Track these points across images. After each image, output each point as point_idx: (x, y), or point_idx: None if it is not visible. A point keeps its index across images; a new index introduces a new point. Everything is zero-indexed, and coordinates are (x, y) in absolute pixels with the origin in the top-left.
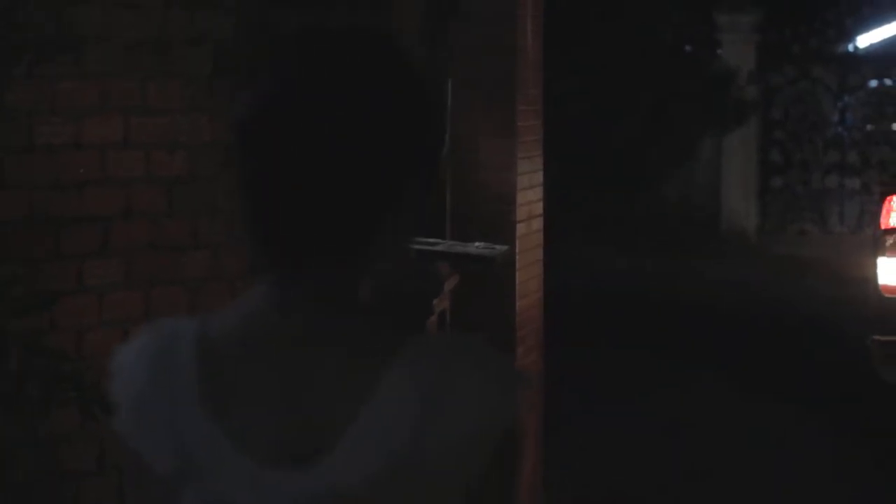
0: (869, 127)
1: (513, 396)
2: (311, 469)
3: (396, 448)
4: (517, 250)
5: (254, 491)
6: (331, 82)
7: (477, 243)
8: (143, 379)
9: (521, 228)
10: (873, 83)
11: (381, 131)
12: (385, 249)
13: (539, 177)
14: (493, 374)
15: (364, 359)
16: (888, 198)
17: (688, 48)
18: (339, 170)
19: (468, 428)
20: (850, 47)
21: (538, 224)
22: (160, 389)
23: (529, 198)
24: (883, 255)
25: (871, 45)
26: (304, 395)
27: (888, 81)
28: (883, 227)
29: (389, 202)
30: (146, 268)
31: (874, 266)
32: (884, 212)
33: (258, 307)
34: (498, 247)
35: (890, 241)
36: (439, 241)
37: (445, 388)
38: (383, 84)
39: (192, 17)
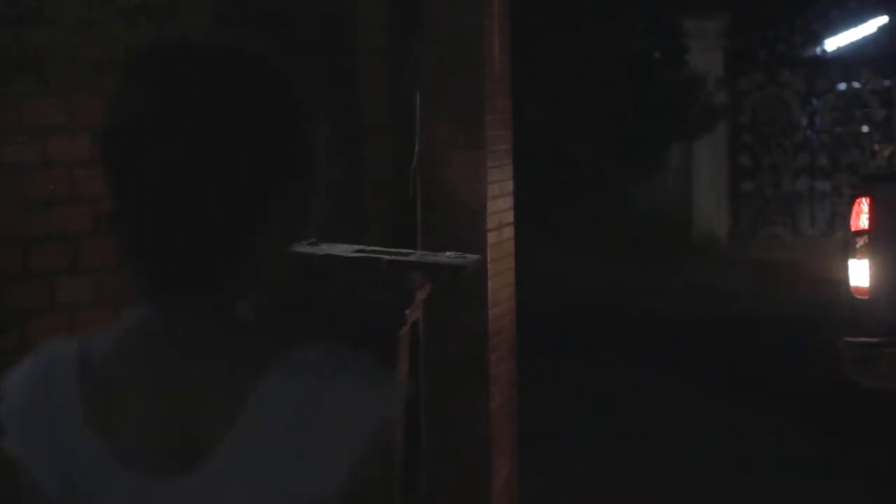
0: (838, 130)
1: (384, 406)
2: (192, 477)
3: (272, 456)
4: (489, 259)
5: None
6: (187, 97)
7: (448, 252)
8: (27, 402)
9: (492, 237)
10: (841, 86)
11: (240, 144)
12: (261, 262)
13: (509, 186)
14: (365, 384)
15: (239, 370)
16: (858, 200)
17: (656, 55)
18: (202, 187)
19: (339, 436)
20: (818, 51)
21: (509, 233)
22: (43, 412)
23: (500, 206)
24: (853, 257)
25: (839, 49)
26: (181, 407)
27: (856, 84)
28: (853, 229)
29: (257, 216)
30: (117, 285)
31: (845, 268)
32: (854, 214)
33: (136, 326)
34: (469, 256)
35: (860, 242)
36: (411, 251)
37: (316, 397)
38: (239, 95)
39: (155, 36)
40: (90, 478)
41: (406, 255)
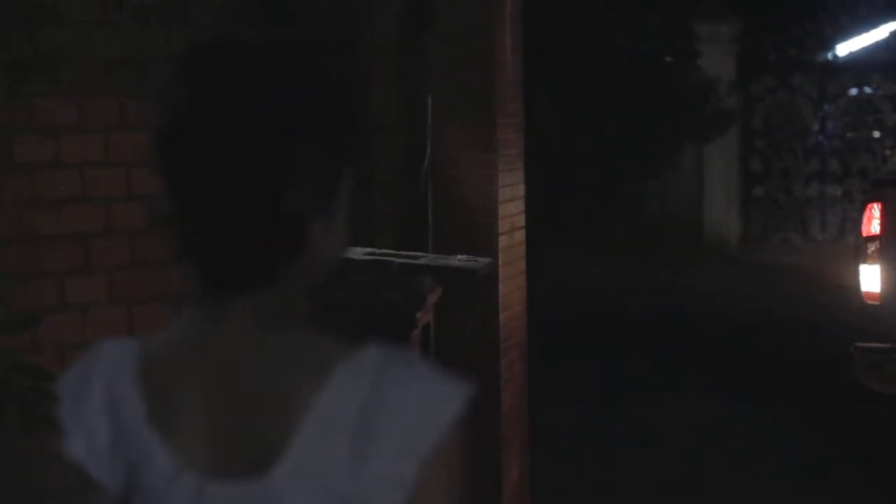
0: (849, 135)
1: (448, 413)
2: (258, 482)
3: (338, 460)
4: (500, 263)
5: None
6: (241, 94)
7: (459, 256)
8: (88, 401)
9: (503, 241)
10: (853, 91)
11: (302, 140)
12: (317, 260)
13: (521, 189)
14: (429, 386)
15: (301, 371)
16: (869, 205)
17: (668, 59)
18: (264, 186)
19: (403, 444)
20: (830, 56)
21: (520, 236)
22: (104, 412)
23: (511, 210)
24: (864, 262)
25: (851, 54)
26: (244, 408)
27: (868, 89)
28: (864, 234)
29: (315, 213)
30: (128, 285)
31: (856, 273)
32: (865, 219)
33: (195, 326)
34: (480, 259)
35: (871, 248)
36: (422, 254)
37: (381, 399)
38: (303, 92)
39: (167, 36)
40: (152, 477)
41: (417, 258)
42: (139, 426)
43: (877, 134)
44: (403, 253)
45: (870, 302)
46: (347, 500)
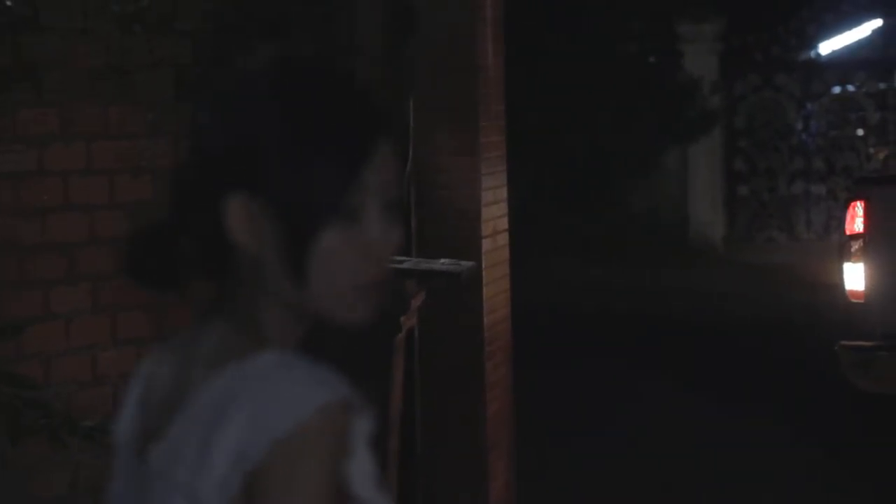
0: (833, 133)
1: (291, 412)
2: (150, 457)
3: (185, 453)
4: (484, 266)
5: (129, 483)
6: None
7: (443, 260)
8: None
9: (486, 244)
10: (836, 90)
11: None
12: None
13: (503, 192)
14: (283, 389)
15: (207, 366)
16: (853, 203)
17: (651, 59)
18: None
19: (238, 436)
20: (813, 54)
21: (504, 239)
22: (127, 407)
23: (494, 213)
24: (849, 260)
25: (834, 52)
26: (169, 392)
27: (851, 87)
28: (848, 232)
29: (327, 219)
30: (113, 293)
31: (841, 272)
32: (848, 217)
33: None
34: (464, 263)
35: (855, 246)
36: (405, 258)
37: (233, 396)
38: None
39: (150, 43)
40: (121, 460)
41: (400, 262)
42: (130, 423)
43: (860, 132)
44: None
45: (854, 300)
46: (187, 492)
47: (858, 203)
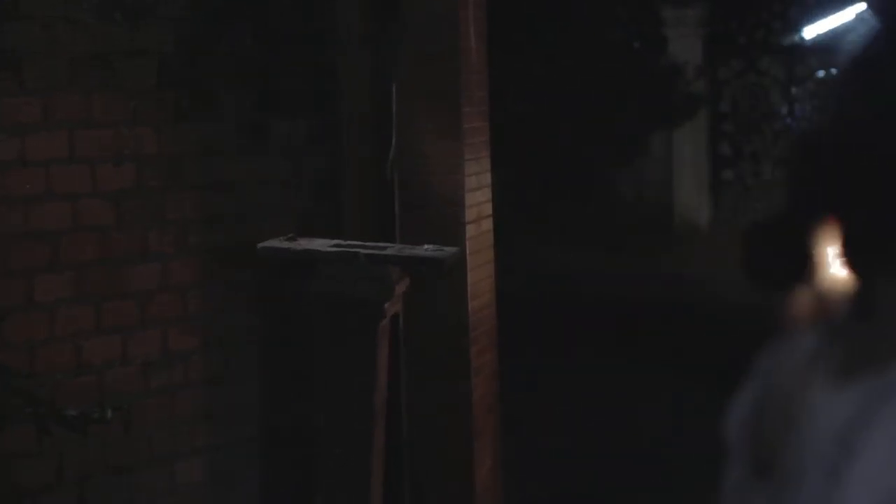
0: (817, 117)
1: None
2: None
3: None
4: (468, 252)
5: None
6: None
7: (427, 246)
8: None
9: (470, 230)
10: (821, 73)
11: None
12: None
13: (487, 178)
14: None
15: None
16: None
17: (636, 44)
18: None
19: None
20: (797, 39)
21: (488, 225)
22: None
23: (478, 199)
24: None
25: (818, 36)
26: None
27: (835, 71)
28: None
29: None
30: (96, 282)
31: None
32: None
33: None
34: (448, 249)
35: None
36: (389, 245)
37: (867, 418)
38: None
39: (132, 33)
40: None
41: (384, 248)
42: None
43: None
44: (370, 244)
45: None
46: None
47: None
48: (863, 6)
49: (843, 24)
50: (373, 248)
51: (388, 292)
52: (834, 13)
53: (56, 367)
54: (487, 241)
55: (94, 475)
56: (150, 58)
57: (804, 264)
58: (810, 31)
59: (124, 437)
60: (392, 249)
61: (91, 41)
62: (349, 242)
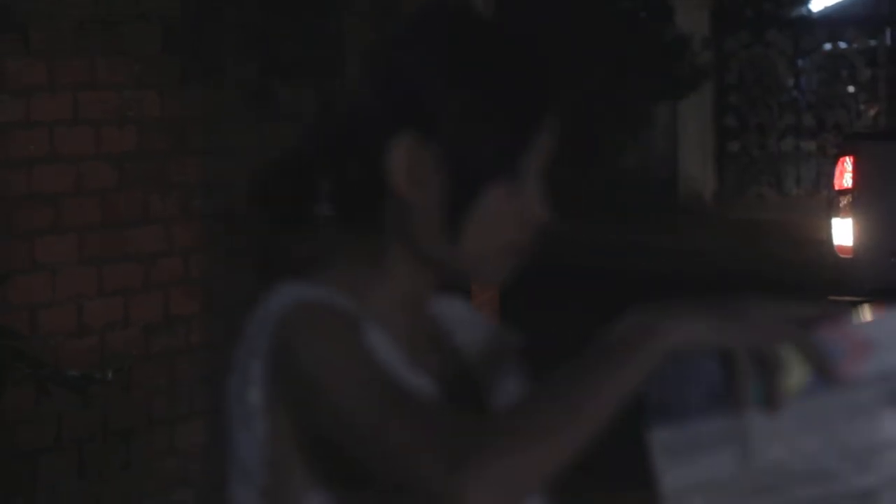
0: (823, 90)
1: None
2: None
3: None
4: None
5: None
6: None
7: None
8: None
9: None
10: (827, 46)
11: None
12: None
13: None
14: (279, 293)
15: None
16: (841, 159)
17: (642, 15)
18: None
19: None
20: (804, 11)
21: None
22: None
23: None
24: (837, 216)
25: (825, 9)
26: None
27: (842, 44)
28: (837, 188)
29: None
30: (99, 244)
31: (830, 227)
32: (837, 173)
33: None
34: None
35: (844, 202)
36: None
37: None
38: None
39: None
40: None
41: None
42: None
43: (851, 89)
44: None
45: (843, 256)
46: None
47: (847, 158)
48: None
49: None
50: None
51: None
52: None
53: (58, 329)
54: None
55: (94, 438)
56: (153, 23)
57: (305, 203)
58: (817, 4)
59: (124, 401)
60: None
61: (97, 5)
62: None
